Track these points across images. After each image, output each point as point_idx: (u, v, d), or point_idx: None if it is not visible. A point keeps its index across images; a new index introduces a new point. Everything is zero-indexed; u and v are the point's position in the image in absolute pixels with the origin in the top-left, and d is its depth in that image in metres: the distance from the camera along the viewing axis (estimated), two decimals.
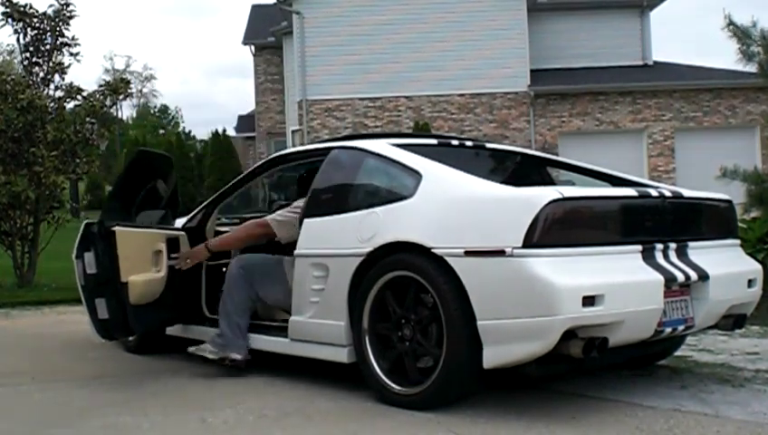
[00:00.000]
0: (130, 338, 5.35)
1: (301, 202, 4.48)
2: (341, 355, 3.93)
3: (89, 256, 4.29)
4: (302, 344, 4.13)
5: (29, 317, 7.81)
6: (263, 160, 5.02)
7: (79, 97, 10.15)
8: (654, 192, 3.83)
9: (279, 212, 4.55)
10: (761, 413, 3.44)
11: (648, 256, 3.59)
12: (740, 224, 5.22)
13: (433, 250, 3.50)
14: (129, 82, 11.01)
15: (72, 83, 10.29)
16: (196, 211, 5.13)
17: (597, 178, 4.76)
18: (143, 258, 4.43)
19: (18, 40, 10.22)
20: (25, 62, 10.29)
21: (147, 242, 4.49)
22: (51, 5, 10.26)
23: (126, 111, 63.66)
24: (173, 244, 4.68)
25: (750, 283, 4.03)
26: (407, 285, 3.66)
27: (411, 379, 3.65)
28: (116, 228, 4.29)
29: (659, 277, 3.50)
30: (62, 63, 10.27)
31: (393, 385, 3.69)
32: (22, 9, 10.07)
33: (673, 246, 3.71)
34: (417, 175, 3.83)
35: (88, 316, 4.40)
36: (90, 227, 4.36)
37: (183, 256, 4.64)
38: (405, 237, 3.64)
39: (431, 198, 3.70)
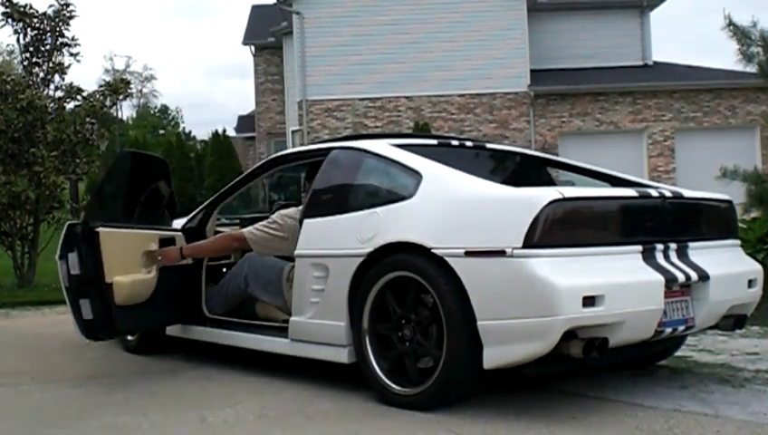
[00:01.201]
0: (130, 338, 5.37)
1: (276, 216, 4.49)
2: (342, 356, 3.93)
3: (72, 257, 4.26)
4: (303, 345, 4.13)
5: (29, 317, 7.82)
6: (263, 161, 5.02)
7: (79, 97, 10.17)
8: (654, 192, 3.83)
9: (256, 226, 4.55)
10: (761, 413, 3.44)
11: (649, 257, 3.59)
12: (740, 224, 5.22)
13: (433, 250, 3.50)
14: (129, 83, 11.02)
15: (71, 83, 10.32)
16: (196, 211, 5.14)
17: (597, 179, 4.76)
18: (132, 259, 4.40)
19: (18, 40, 10.24)
20: (25, 63, 10.30)
21: (136, 243, 4.45)
22: (51, 5, 10.28)
23: (126, 111, 63.65)
24: (167, 245, 4.67)
25: (750, 283, 4.03)
26: (407, 285, 3.66)
27: (411, 379, 3.65)
28: (100, 229, 4.26)
29: (660, 278, 3.50)
30: (62, 64, 10.29)
31: (393, 385, 3.69)
32: (22, 9, 10.09)
33: (673, 246, 3.71)
34: (417, 175, 3.83)
35: (72, 316, 4.37)
36: (73, 228, 4.32)
37: (155, 254, 4.62)
38: (405, 238, 3.64)
39: (431, 198, 3.70)
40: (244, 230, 4.56)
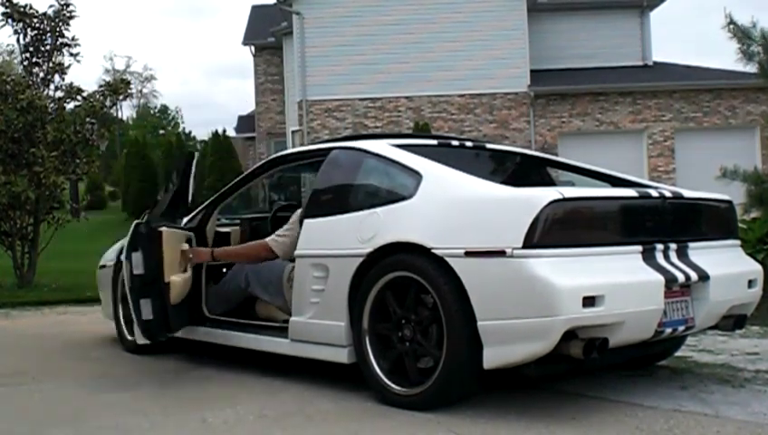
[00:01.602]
0: (130, 337, 5.37)
1: (295, 216, 4.48)
2: (342, 356, 3.93)
3: (136, 257, 4.31)
4: (303, 345, 4.13)
5: (29, 317, 7.81)
6: (263, 161, 5.02)
7: (79, 97, 10.17)
8: (654, 192, 3.83)
9: (278, 232, 4.53)
10: (761, 413, 3.44)
11: (649, 257, 3.59)
12: (740, 224, 5.22)
13: (433, 251, 3.50)
14: (129, 83, 11.02)
15: (71, 84, 10.32)
16: (196, 211, 5.13)
17: (597, 179, 4.76)
18: (176, 258, 4.52)
19: (18, 40, 10.24)
20: (25, 63, 10.30)
21: (178, 242, 4.57)
22: (51, 6, 10.29)
23: (126, 111, 63.72)
24: (189, 244, 4.76)
25: (750, 283, 4.03)
26: (407, 285, 3.66)
27: (411, 379, 3.65)
28: (162, 229, 4.37)
29: (660, 278, 3.50)
30: (62, 64, 10.29)
31: (393, 386, 3.69)
32: (22, 9, 10.09)
33: (673, 246, 3.71)
34: (417, 175, 3.83)
35: (134, 317, 4.37)
36: (138, 227, 4.40)
37: (187, 253, 4.67)
38: (405, 238, 3.64)
39: (431, 198, 3.70)
40: (268, 240, 4.48)
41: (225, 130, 26.22)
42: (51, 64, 10.23)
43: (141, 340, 4.41)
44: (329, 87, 21.18)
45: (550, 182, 4.93)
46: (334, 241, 4.00)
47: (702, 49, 71.86)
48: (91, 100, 10.12)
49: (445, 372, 3.48)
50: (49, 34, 10.23)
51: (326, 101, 21.45)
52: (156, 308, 4.33)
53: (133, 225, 4.41)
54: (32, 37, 10.21)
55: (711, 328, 4.02)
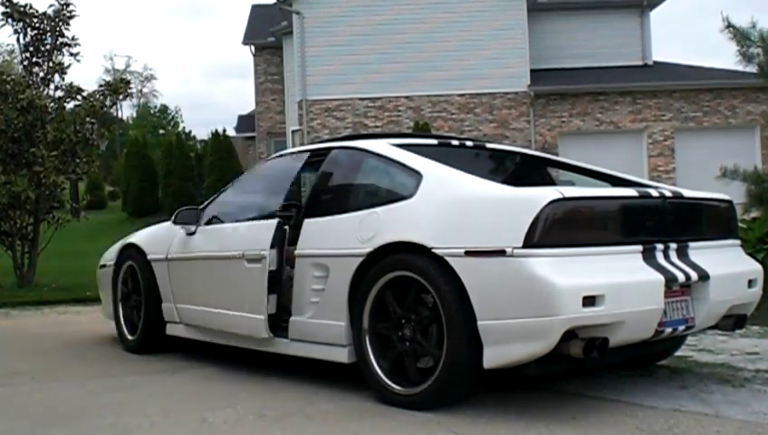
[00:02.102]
0: (131, 337, 5.39)
1: None
2: (342, 355, 3.93)
3: (272, 254, 4.35)
4: (303, 344, 4.13)
5: (29, 317, 7.82)
6: (263, 160, 5.02)
7: (79, 97, 10.18)
8: (654, 192, 3.83)
9: None
10: (761, 413, 3.44)
11: (649, 257, 3.59)
12: (740, 224, 5.22)
13: (433, 250, 3.50)
14: (129, 83, 11.03)
15: (71, 83, 10.33)
16: (199, 209, 5.14)
17: (597, 179, 4.76)
18: None
19: (18, 40, 10.25)
20: (25, 62, 10.30)
21: None
22: (51, 5, 10.30)
23: (126, 111, 63.72)
24: None
25: (750, 283, 4.03)
26: (407, 285, 3.66)
27: (411, 379, 3.65)
28: (286, 226, 4.43)
29: (660, 277, 3.50)
30: (62, 63, 10.30)
31: (393, 385, 3.69)
32: (22, 9, 10.10)
33: (673, 246, 3.71)
34: (417, 175, 3.83)
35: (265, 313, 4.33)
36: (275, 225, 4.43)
37: None
38: (405, 237, 3.64)
39: (431, 197, 3.70)
40: None
41: (225, 130, 26.21)
42: (51, 64, 10.24)
43: (266, 333, 4.36)
44: (329, 87, 21.18)
45: (550, 182, 4.93)
46: (334, 241, 4.00)
47: (702, 49, 71.97)
48: (91, 99, 10.13)
49: (445, 372, 3.48)
50: (49, 34, 10.23)
51: (326, 101, 21.44)
52: (279, 303, 4.38)
53: (276, 222, 4.41)
54: (32, 37, 10.22)
55: (711, 328, 4.02)
